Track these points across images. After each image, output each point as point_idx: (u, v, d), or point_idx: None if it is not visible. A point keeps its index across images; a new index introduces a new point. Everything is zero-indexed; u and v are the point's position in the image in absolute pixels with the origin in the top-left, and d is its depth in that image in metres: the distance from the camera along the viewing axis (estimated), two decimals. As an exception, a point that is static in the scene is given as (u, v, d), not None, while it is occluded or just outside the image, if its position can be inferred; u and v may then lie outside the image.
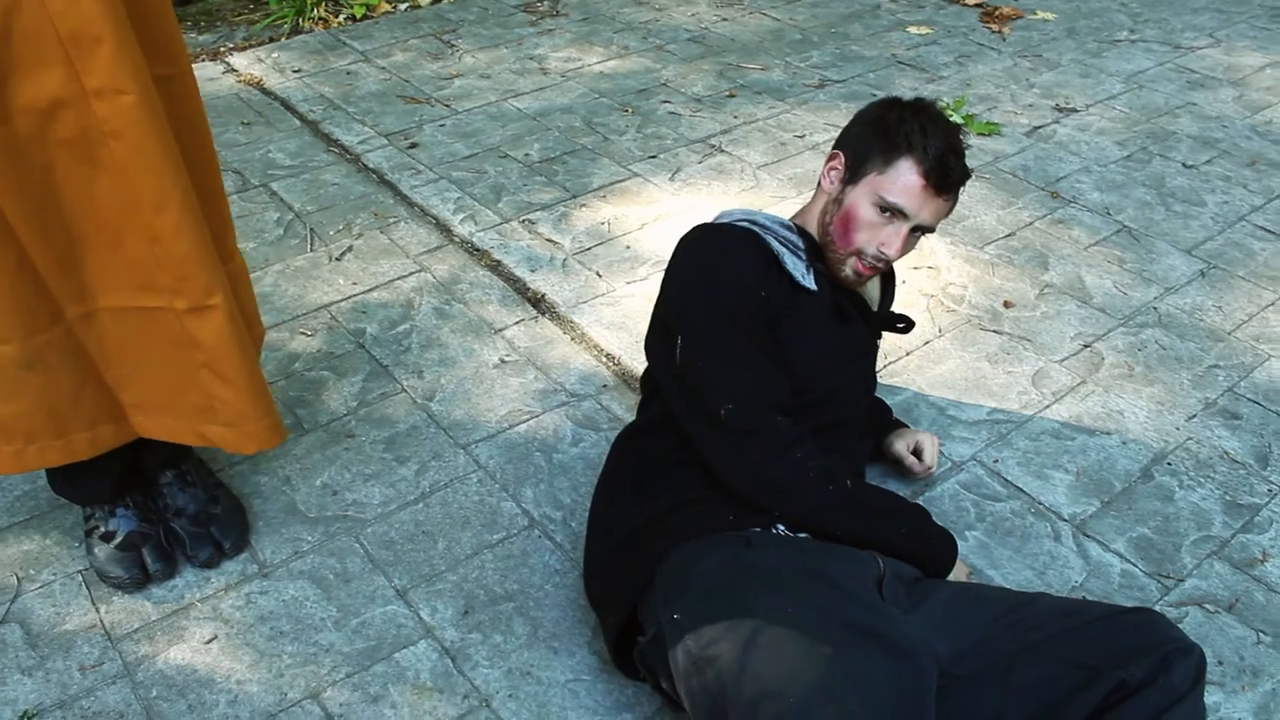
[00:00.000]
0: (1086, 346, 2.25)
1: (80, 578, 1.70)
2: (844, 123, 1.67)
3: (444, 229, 2.63)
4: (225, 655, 1.58)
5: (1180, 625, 1.56)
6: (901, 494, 1.68)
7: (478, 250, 2.54)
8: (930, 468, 1.81)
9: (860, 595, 1.31)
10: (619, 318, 2.29)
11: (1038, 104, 3.29)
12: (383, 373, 2.15)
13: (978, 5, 4.05)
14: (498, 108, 3.22)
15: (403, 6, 3.99)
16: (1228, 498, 1.88)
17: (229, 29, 3.82)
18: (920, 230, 1.55)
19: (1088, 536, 1.80)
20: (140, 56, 1.28)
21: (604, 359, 2.20)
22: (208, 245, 1.42)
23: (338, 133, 3.05)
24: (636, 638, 1.42)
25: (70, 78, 1.25)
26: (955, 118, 3.04)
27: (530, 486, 1.88)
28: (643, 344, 1.69)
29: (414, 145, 3.00)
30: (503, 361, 2.19)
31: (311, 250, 2.54)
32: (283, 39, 3.73)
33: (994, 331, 2.29)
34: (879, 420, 1.88)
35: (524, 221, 2.64)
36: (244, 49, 3.65)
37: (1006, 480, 1.91)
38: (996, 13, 3.98)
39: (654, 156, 2.95)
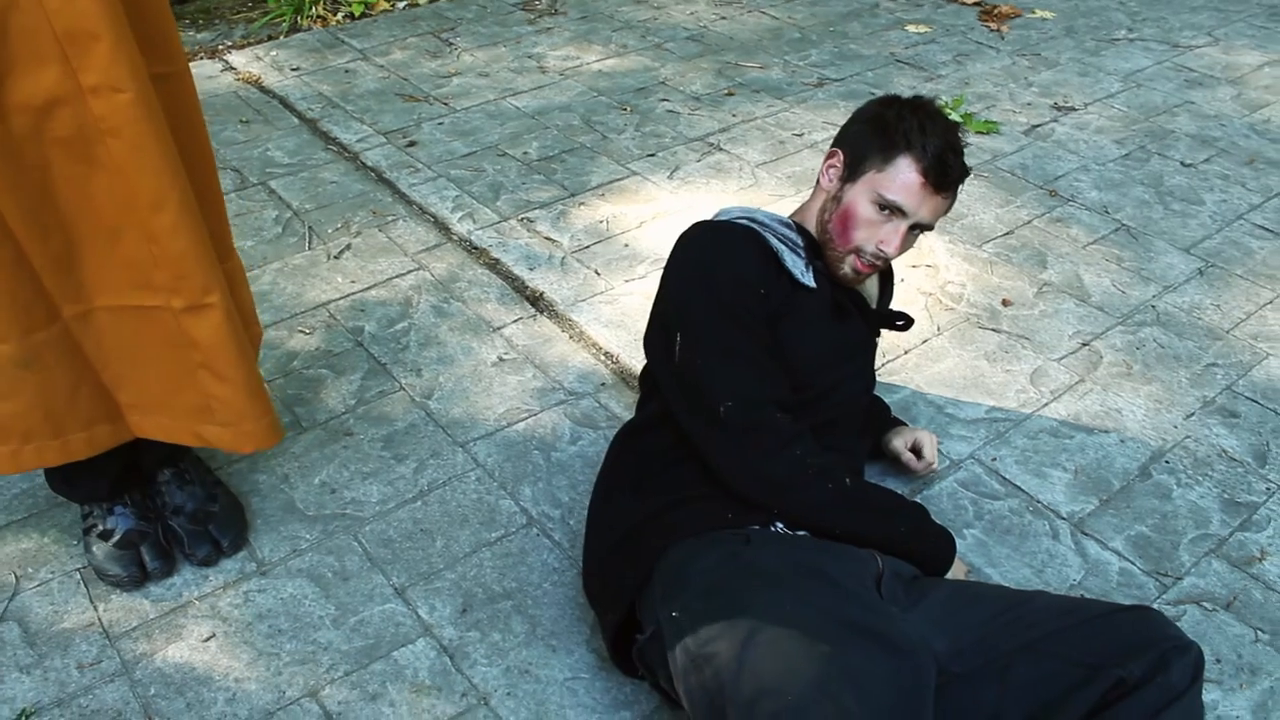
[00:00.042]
0: (1085, 345, 2.25)
1: (78, 576, 1.70)
2: (842, 121, 1.67)
3: (442, 227, 2.63)
4: (223, 653, 1.58)
5: (1178, 623, 1.56)
6: (900, 492, 1.68)
7: (476, 248, 2.54)
8: (932, 464, 1.81)
9: (859, 593, 1.31)
10: (617, 316, 2.29)
11: (1036, 102, 3.29)
12: (381, 371, 2.15)
13: (976, 4, 4.05)
14: (496, 106, 3.22)
15: (401, 5, 3.99)
16: (1226, 496, 1.89)
17: (227, 27, 3.82)
18: (919, 228, 1.55)
19: (1086, 535, 1.80)
20: (137, 54, 1.28)
21: (602, 357, 2.20)
22: (205, 244, 1.42)
23: (336, 131, 3.05)
24: (635, 635, 1.42)
25: (67, 75, 1.24)
26: (953, 116, 3.04)
27: (529, 485, 1.88)
28: (641, 342, 1.69)
29: (412, 143, 3.00)
30: (501, 360, 2.19)
31: (310, 248, 2.54)
32: (281, 37, 3.73)
33: (992, 330, 2.29)
34: (877, 418, 1.88)
35: (522, 220, 2.64)
36: (242, 47, 3.65)
37: (1005, 478, 1.91)
38: (995, 11, 3.97)
39: (652, 155, 2.95)
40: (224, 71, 3.46)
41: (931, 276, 2.45)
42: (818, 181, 1.63)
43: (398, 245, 2.55)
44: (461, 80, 3.39)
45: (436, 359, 2.19)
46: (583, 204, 2.71)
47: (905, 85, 3.37)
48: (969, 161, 1.58)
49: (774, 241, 1.54)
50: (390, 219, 2.66)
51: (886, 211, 1.52)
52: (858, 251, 1.55)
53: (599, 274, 2.43)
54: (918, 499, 1.85)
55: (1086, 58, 3.62)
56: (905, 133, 1.51)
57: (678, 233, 1.58)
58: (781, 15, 3.96)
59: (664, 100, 3.27)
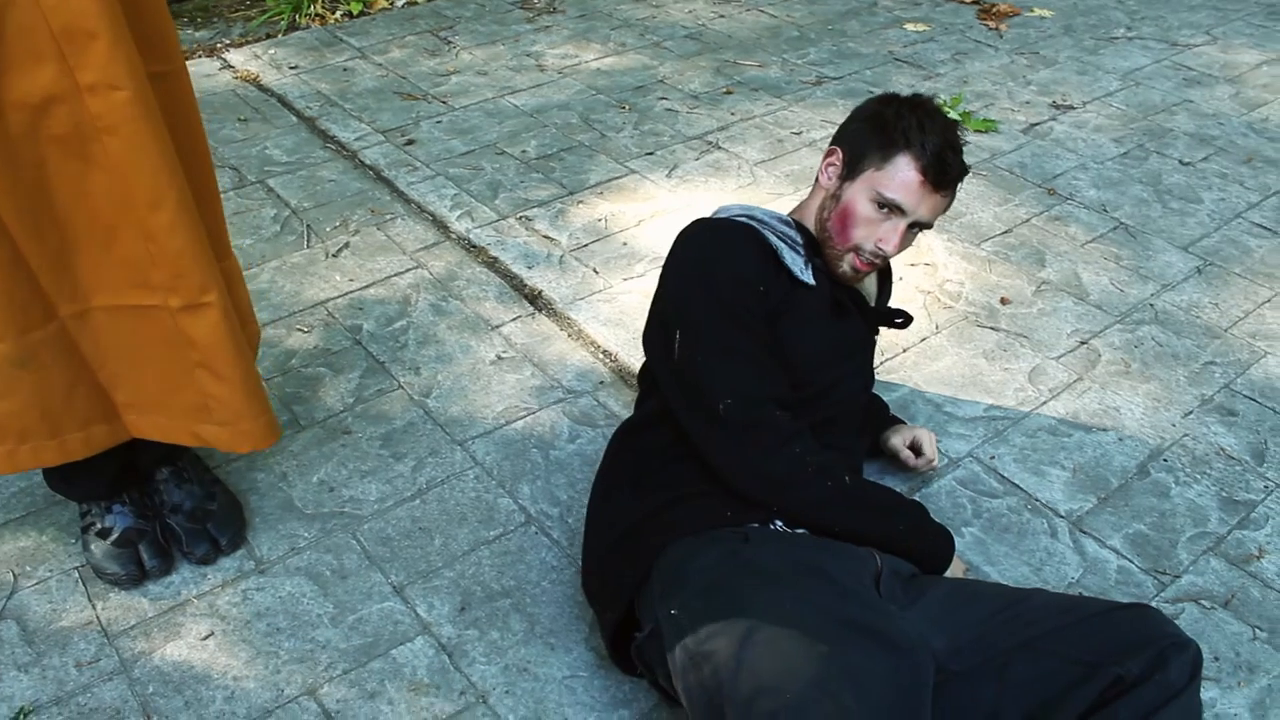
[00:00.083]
0: (1083, 343, 2.25)
1: (77, 574, 1.70)
2: (841, 120, 1.67)
3: (441, 225, 2.62)
4: (222, 652, 1.58)
5: (1176, 621, 1.56)
6: (899, 490, 1.68)
7: (475, 247, 2.53)
8: (932, 461, 1.81)
9: (857, 592, 1.31)
10: (616, 314, 2.29)
11: (1035, 101, 3.29)
12: (379, 369, 2.15)
13: (974, 2, 4.05)
14: (495, 104, 3.22)
15: (400, 3, 3.99)
16: (1224, 494, 1.89)
17: (225, 25, 3.82)
18: (918, 226, 1.55)
19: (1084, 533, 1.80)
20: (135, 52, 1.28)
21: (601, 355, 2.20)
22: (202, 243, 1.41)
23: (334, 129, 3.05)
24: (633, 633, 1.41)
25: (64, 73, 1.24)
26: (952, 115, 3.04)
27: (527, 483, 1.88)
28: (639, 340, 1.69)
29: (411, 142, 3.00)
30: (500, 358, 2.19)
31: (308, 247, 2.53)
32: (279, 35, 3.73)
33: (991, 328, 2.29)
34: (876, 416, 1.88)
35: (521, 218, 2.64)
36: (240, 45, 3.64)
37: (1003, 477, 1.91)
38: (993, 10, 3.97)
39: (651, 153, 2.95)
40: (222, 70, 3.45)
41: (930, 275, 2.45)
42: (816, 179, 1.63)
43: (396, 243, 2.55)
44: (460, 79, 3.39)
45: (435, 357, 2.18)
46: (581, 202, 2.71)
47: (904, 84, 3.37)
48: (967, 160, 1.58)
49: (773, 239, 1.54)
50: (388, 217, 2.66)
51: (885, 210, 1.52)
52: (857, 250, 1.55)
53: (597, 272, 2.43)
54: (916, 497, 1.85)
55: (1085, 56, 3.62)
56: (904, 131, 1.51)
57: (676, 231, 1.58)
58: (780, 13, 3.96)
59: (662, 99, 3.27)
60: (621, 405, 2.06)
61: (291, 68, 3.45)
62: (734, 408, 1.40)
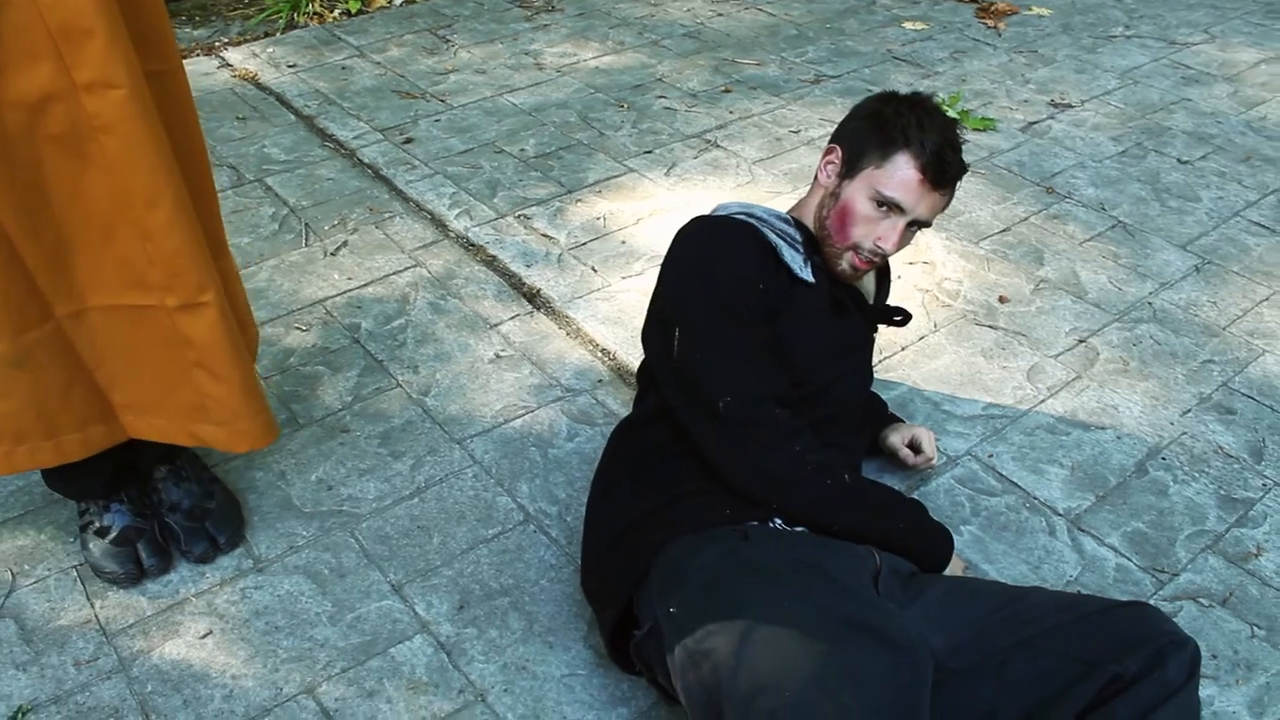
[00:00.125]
0: (1081, 341, 2.25)
1: (75, 573, 1.70)
2: (839, 118, 1.67)
3: (439, 224, 2.62)
4: (220, 650, 1.58)
5: (1175, 619, 1.57)
6: (897, 489, 1.68)
7: (473, 245, 2.53)
8: (931, 459, 1.81)
9: (856, 590, 1.31)
10: (614, 313, 2.28)
11: (1033, 99, 3.29)
12: (378, 368, 2.15)
13: (973, 1, 4.05)
14: (493, 103, 3.22)
15: (398, 1, 3.98)
16: (1222, 492, 1.89)
17: (224, 24, 3.81)
18: (917, 225, 1.55)
19: (1082, 531, 1.80)
20: (132, 50, 1.27)
21: (599, 354, 2.20)
22: (200, 242, 1.41)
23: (333, 128, 3.05)
24: (632, 631, 1.42)
25: (60, 72, 1.24)
26: (950, 113, 3.04)
27: (526, 481, 1.88)
28: (638, 339, 1.69)
29: (409, 140, 2.99)
30: (498, 356, 2.19)
31: (306, 245, 2.53)
32: (278, 34, 3.72)
33: (989, 326, 2.29)
34: (875, 415, 1.88)
35: (519, 217, 2.64)
36: (239, 44, 3.64)
37: (1001, 475, 1.91)
38: (992, 8, 3.97)
39: (649, 152, 2.95)
40: (220, 68, 3.45)
41: (928, 273, 2.45)
42: (816, 178, 1.63)
43: (394, 242, 2.55)
44: (458, 77, 3.39)
45: (433, 356, 2.18)
46: (580, 201, 2.71)
47: (902, 82, 3.37)
48: (966, 158, 1.58)
49: (772, 236, 1.54)
50: (387, 216, 2.65)
51: (884, 208, 1.52)
52: (856, 248, 1.55)
53: (596, 271, 2.43)
54: (915, 495, 1.85)
55: (1083, 55, 3.62)
56: (903, 129, 1.50)
57: (675, 230, 1.58)
58: (778, 12, 3.95)
59: (661, 97, 3.27)
60: (620, 404, 2.06)
61: (290, 66, 3.45)
62: (734, 405, 1.40)
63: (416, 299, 2.35)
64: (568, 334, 2.25)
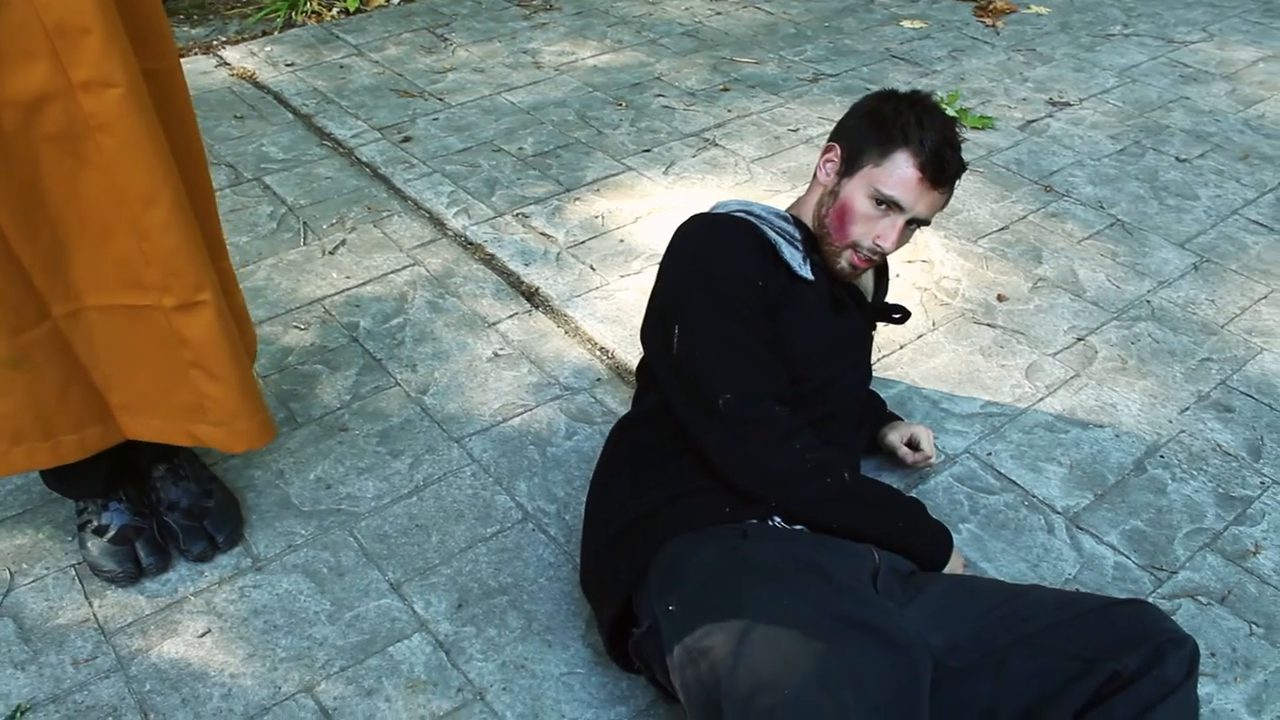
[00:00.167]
0: (1080, 340, 2.25)
1: (73, 572, 1.69)
2: (838, 116, 1.67)
3: (437, 223, 2.62)
4: (219, 649, 1.58)
5: (1173, 617, 1.57)
6: (895, 487, 1.68)
7: (471, 244, 2.53)
8: (929, 457, 1.81)
9: (855, 588, 1.31)
10: (613, 311, 2.28)
11: (1031, 98, 3.30)
12: (376, 366, 2.15)
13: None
14: (491, 101, 3.22)
15: (395, 0, 3.98)
16: (1220, 490, 1.89)
17: (221, 23, 3.81)
18: (916, 223, 1.55)
19: (1081, 529, 1.80)
20: (129, 48, 1.27)
21: (598, 352, 2.20)
22: (197, 240, 1.40)
23: (331, 126, 3.05)
24: (631, 629, 1.41)
25: (56, 70, 1.23)
26: (949, 111, 3.04)
27: (524, 480, 1.88)
28: (636, 337, 1.69)
29: (407, 139, 2.99)
30: (496, 355, 2.18)
31: (305, 244, 2.53)
32: (275, 33, 3.72)
33: (987, 325, 2.29)
34: (873, 413, 1.88)
35: (518, 215, 2.64)
36: (237, 43, 3.64)
37: (1000, 473, 1.91)
38: (990, 7, 3.97)
39: (648, 150, 2.95)
40: (218, 67, 3.45)
41: (927, 272, 2.45)
42: (815, 176, 1.63)
43: (393, 241, 2.55)
44: (456, 76, 3.39)
45: (432, 354, 2.18)
46: (578, 199, 2.71)
47: (900, 80, 3.37)
48: (965, 157, 1.58)
49: (771, 234, 1.54)
50: (385, 214, 2.65)
51: (884, 206, 1.52)
52: (855, 246, 1.55)
53: (594, 269, 2.43)
54: (913, 494, 1.85)
55: (1081, 53, 3.62)
56: (903, 127, 1.50)
57: (673, 228, 1.58)
58: (776, 10, 3.95)
59: (659, 96, 3.27)
60: (618, 402, 2.06)
61: (288, 65, 3.44)
62: (733, 403, 1.40)
63: (415, 298, 2.35)
64: (566, 332, 2.25)
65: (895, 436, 1.84)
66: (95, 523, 1.68)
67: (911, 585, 1.40)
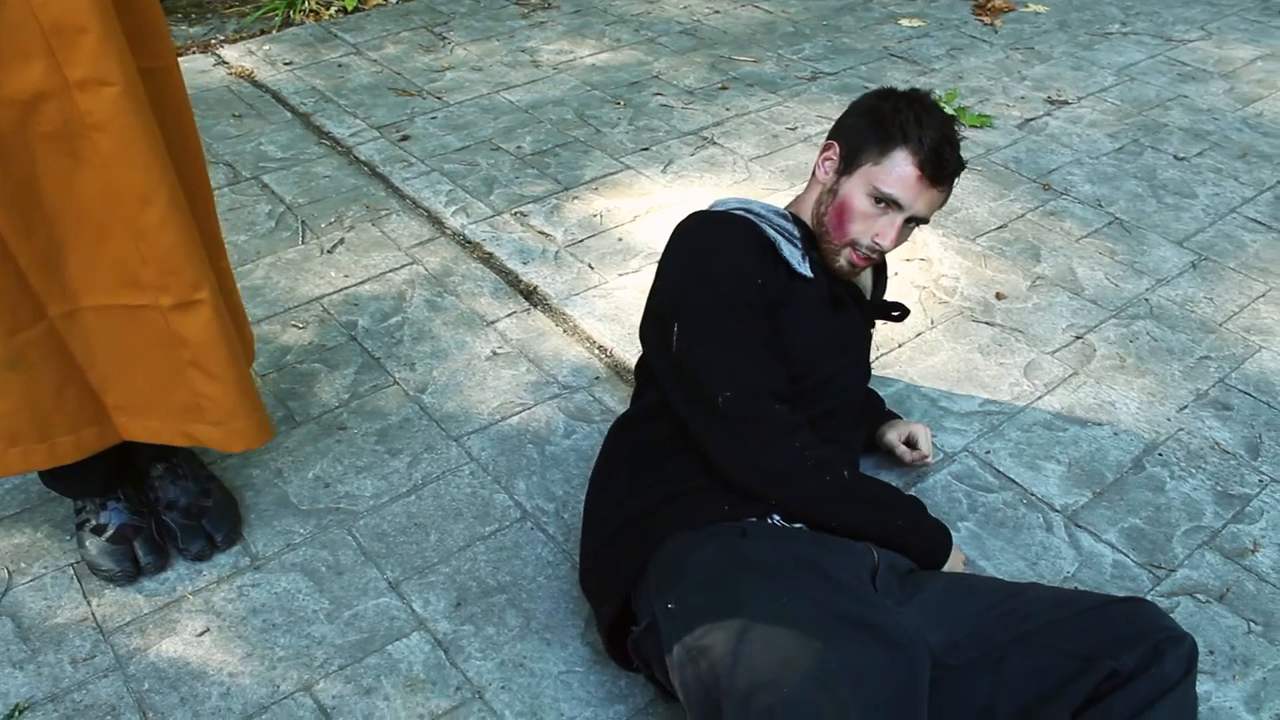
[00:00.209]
0: (1078, 338, 2.25)
1: (71, 571, 1.69)
2: (836, 115, 1.67)
3: (436, 221, 2.62)
4: (217, 648, 1.58)
5: (1172, 615, 1.57)
6: (895, 485, 1.68)
7: (470, 243, 2.53)
8: (927, 455, 1.81)
9: (854, 587, 1.31)
10: (611, 310, 2.28)
11: (1030, 96, 3.30)
12: (374, 365, 2.15)
13: (970, -2, 4.05)
14: (490, 100, 3.21)
15: (394, -2, 3.98)
16: (1219, 488, 1.89)
17: (219, 21, 3.81)
18: (914, 221, 1.55)
19: (1079, 527, 1.80)
20: (125, 47, 1.26)
21: (596, 351, 2.19)
22: (194, 239, 1.40)
23: (329, 125, 3.04)
24: (630, 628, 1.41)
25: (52, 69, 1.23)
26: (948, 110, 3.03)
27: (523, 479, 1.88)
28: (635, 335, 1.69)
29: (406, 138, 2.99)
30: (495, 354, 2.18)
31: (303, 243, 2.53)
32: (274, 31, 3.72)
33: (986, 323, 2.29)
34: (872, 411, 1.88)
35: (516, 214, 2.64)
36: (235, 41, 3.63)
37: (998, 471, 1.91)
38: (988, 5, 3.97)
39: (646, 149, 2.95)
40: (216, 66, 3.44)
41: (925, 270, 2.45)
42: (813, 174, 1.63)
43: (391, 239, 2.54)
44: (455, 74, 3.38)
45: (430, 353, 2.18)
46: (576, 198, 2.71)
47: (899, 79, 3.37)
48: (963, 155, 1.58)
49: (770, 231, 1.54)
50: (383, 213, 2.65)
51: (882, 204, 1.52)
52: (853, 244, 1.55)
53: (593, 268, 2.43)
54: (912, 492, 1.85)
55: (1080, 51, 3.62)
56: (902, 125, 1.50)
57: (671, 226, 1.58)
58: (775, 9, 3.95)
59: (657, 94, 3.27)
60: (617, 400, 2.06)
61: (286, 64, 3.44)
62: (733, 400, 1.40)
63: (413, 296, 2.35)
64: (565, 331, 2.25)
65: (893, 435, 1.84)
66: (93, 522, 1.68)
67: (910, 583, 1.40)
